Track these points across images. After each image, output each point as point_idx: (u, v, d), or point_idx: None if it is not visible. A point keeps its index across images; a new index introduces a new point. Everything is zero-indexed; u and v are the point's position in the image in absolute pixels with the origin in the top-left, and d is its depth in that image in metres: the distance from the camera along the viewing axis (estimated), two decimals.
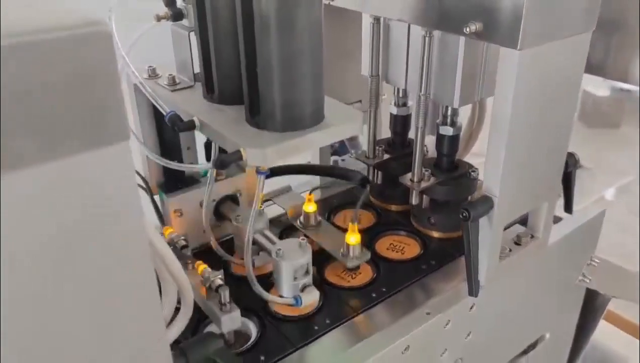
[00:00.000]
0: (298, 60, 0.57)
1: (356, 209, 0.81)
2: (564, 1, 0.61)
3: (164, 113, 0.66)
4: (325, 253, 0.81)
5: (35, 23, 0.32)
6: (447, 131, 0.82)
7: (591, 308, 1.07)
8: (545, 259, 0.86)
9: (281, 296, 0.70)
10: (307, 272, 0.70)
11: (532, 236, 0.81)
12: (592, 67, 0.71)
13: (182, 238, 0.72)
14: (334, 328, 0.70)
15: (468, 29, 0.63)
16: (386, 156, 0.91)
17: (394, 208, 0.94)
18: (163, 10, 0.71)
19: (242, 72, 0.60)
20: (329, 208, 0.96)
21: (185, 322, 0.53)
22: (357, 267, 0.80)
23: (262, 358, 0.66)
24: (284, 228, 0.89)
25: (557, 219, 0.90)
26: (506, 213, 0.71)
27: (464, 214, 0.68)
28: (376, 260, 0.82)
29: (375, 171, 0.92)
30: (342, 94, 0.94)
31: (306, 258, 0.69)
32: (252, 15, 0.56)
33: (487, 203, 0.69)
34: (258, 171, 0.62)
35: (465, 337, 0.78)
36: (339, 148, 1.28)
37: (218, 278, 0.65)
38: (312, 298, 0.70)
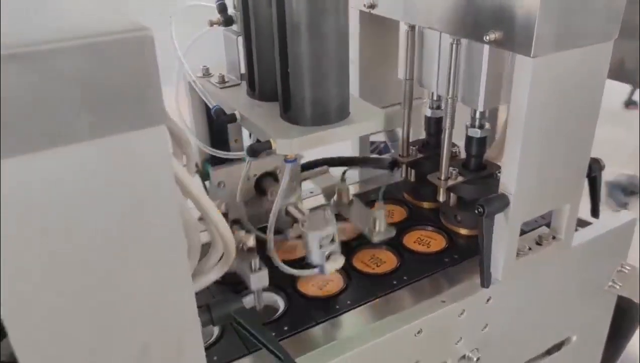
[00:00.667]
0: (324, 62, 0.64)
1: (382, 188, 0.87)
2: (581, 9, 0.65)
3: (210, 107, 0.75)
4: (354, 242, 0.88)
5: (96, 28, 0.41)
6: (475, 133, 0.86)
7: (627, 316, 1.07)
8: (569, 261, 0.88)
9: (308, 264, 0.77)
10: (332, 241, 0.76)
11: (554, 237, 0.84)
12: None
13: (223, 206, 0.81)
14: (354, 308, 0.77)
15: (488, 37, 0.68)
16: (419, 156, 0.96)
17: (425, 205, 0.99)
18: (216, 16, 0.80)
19: (276, 72, 0.68)
20: (366, 200, 1.02)
21: (226, 268, 0.61)
22: (382, 246, 0.86)
23: (286, 328, 0.73)
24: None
25: (585, 224, 0.92)
26: (522, 211, 0.75)
27: (479, 210, 0.73)
28: (402, 252, 0.88)
29: (408, 169, 0.97)
30: (382, 96, 1.01)
31: (330, 227, 0.76)
32: (285, 22, 0.63)
33: (503, 200, 0.73)
34: (285, 160, 0.69)
35: (482, 329, 0.82)
36: (383, 148, 1.34)
37: (250, 239, 0.73)
38: (336, 264, 0.76)
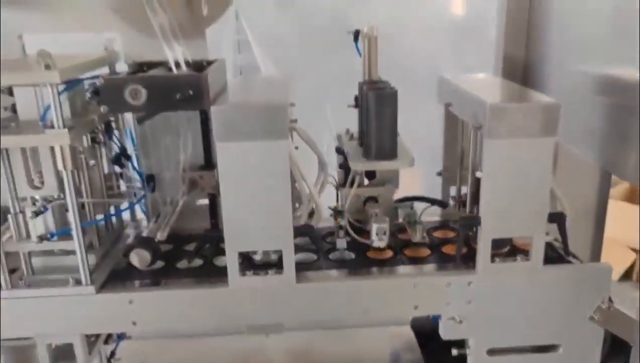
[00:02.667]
0: (383, 127, 1.29)
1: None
2: (521, 109, 1.17)
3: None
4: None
5: (270, 99, 1.16)
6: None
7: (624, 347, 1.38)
8: (540, 282, 1.31)
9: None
10: (385, 233, 1.38)
11: (527, 259, 1.30)
12: None
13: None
14: (392, 266, 1.37)
15: (476, 124, 1.24)
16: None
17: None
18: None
19: (362, 133, 1.36)
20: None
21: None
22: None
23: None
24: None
25: (563, 260, 1.34)
26: (489, 231, 1.26)
27: (461, 223, 1.27)
28: (434, 251, 1.44)
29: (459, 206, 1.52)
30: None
31: (385, 224, 1.37)
32: (366, 105, 1.31)
33: (476, 220, 1.26)
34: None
35: (466, 303, 1.32)
36: None
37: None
38: (381, 244, 1.38)
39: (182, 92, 1.15)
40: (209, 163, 1.46)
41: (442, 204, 1.53)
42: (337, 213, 1.45)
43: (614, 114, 1.32)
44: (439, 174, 1.60)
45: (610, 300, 1.35)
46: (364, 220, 1.49)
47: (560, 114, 1.18)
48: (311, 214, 1.36)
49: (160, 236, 1.33)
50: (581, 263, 1.35)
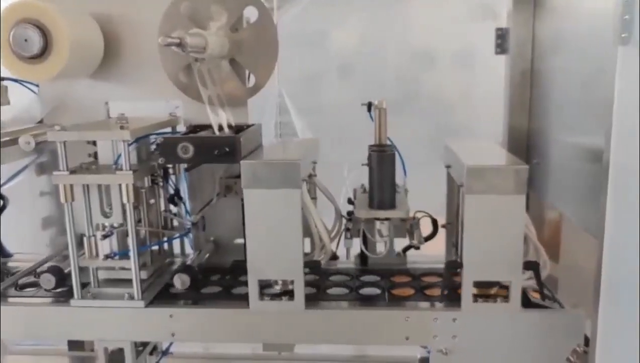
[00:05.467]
0: (383, 182, 1.56)
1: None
2: (494, 170, 1.40)
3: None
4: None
5: (279, 157, 1.46)
6: None
7: None
8: (518, 323, 1.49)
9: None
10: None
11: (507, 301, 1.49)
12: None
13: None
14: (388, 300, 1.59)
15: (459, 183, 1.48)
16: None
17: None
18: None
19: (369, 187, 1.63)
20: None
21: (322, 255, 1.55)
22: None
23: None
24: None
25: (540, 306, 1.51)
26: (470, 274, 1.46)
27: (447, 266, 1.49)
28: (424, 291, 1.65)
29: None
30: None
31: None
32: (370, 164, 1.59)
33: (458, 264, 1.48)
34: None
35: (452, 337, 1.51)
36: None
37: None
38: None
39: (220, 149, 1.48)
40: None
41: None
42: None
43: (585, 177, 1.52)
44: (443, 226, 1.83)
45: (586, 343, 1.49)
46: None
47: (527, 175, 1.40)
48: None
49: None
50: (561, 309, 1.52)
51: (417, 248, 1.68)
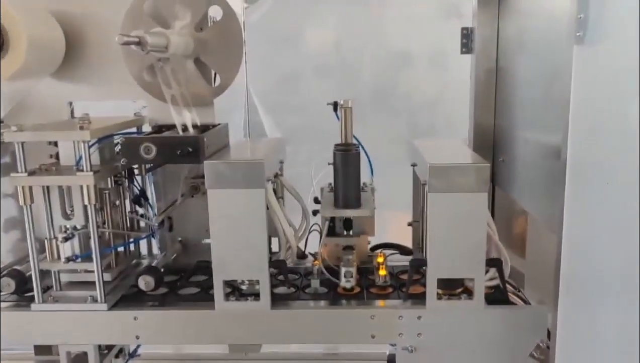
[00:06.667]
0: (348, 181, 1.56)
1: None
2: (455, 168, 1.41)
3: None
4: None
5: (242, 156, 1.45)
6: None
7: None
8: (482, 320, 1.50)
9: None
10: (352, 276, 1.61)
11: (471, 298, 1.50)
12: None
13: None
14: (355, 300, 1.59)
15: (424, 182, 1.49)
16: None
17: None
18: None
19: (335, 186, 1.63)
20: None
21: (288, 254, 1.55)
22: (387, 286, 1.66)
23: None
24: None
25: (505, 302, 1.53)
26: (434, 272, 1.47)
27: (411, 264, 1.50)
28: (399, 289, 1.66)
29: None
30: None
31: (352, 268, 1.61)
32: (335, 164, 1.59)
33: (422, 261, 1.49)
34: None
35: (417, 335, 1.52)
36: None
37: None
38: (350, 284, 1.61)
39: (183, 149, 1.46)
40: None
41: (407, 251, 1.75)
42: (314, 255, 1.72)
43: (545, 174, 1.54)
44: (409, 224, 1.84)
45: (548, 337, 1.52)
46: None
47: (489, 173, 1.42)
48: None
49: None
50: (524, 305, 1.54)
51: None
